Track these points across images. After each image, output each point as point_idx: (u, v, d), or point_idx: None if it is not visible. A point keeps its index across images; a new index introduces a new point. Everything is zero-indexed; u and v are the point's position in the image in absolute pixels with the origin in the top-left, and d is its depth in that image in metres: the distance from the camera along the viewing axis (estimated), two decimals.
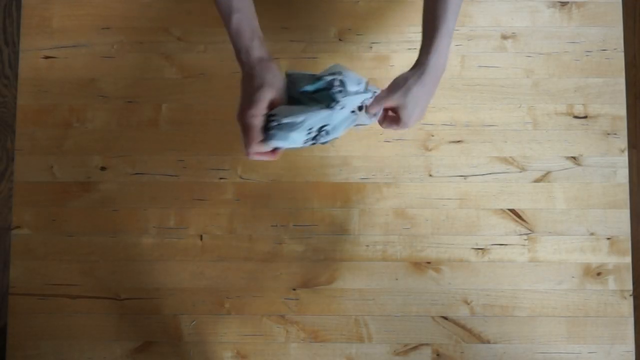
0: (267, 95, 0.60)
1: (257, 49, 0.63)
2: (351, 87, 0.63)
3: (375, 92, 0.66)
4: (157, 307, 0.91)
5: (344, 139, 0.92)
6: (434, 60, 0.62)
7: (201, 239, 0.92)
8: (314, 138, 0.62)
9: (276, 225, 0.92)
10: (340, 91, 0.61)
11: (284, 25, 0.95)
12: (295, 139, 0.61)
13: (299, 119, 0.60)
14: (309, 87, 0.62)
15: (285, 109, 0.62)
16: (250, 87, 0.61)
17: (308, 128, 0.61)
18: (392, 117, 0.67)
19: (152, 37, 0.95)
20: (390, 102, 0.64)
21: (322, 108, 0.61)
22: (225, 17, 0.64)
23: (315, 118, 0.61)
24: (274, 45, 0.94)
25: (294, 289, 0.91)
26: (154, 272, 0.91)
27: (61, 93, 0.94)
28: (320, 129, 0.62)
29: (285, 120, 0.60)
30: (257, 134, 0.60)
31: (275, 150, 0.64)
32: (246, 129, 0.60)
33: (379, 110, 0.66)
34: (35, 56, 0.95)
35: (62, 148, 0.93)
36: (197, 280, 0.91)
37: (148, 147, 0.93)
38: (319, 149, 0.92)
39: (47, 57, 0.95)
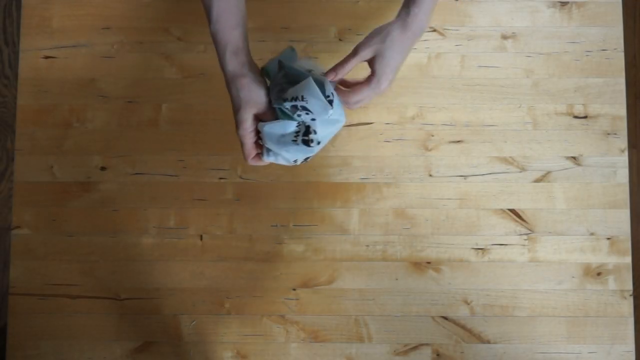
0: (248, 115, 0.61)
1: (229, 63, 0.61)
2: (316, 108, 0.59)
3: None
4: (157, 307, 0.91)
5: (344, 139, 0.92)
6: (416, 10, 0.60)
7: (201, 239, 0.92)
8: (305, 159, 0.64)
9: (276, 225, 0.92)
10: (305, 115, 0.60)
11: (284, 25, 0.95)
12: (286, 161, 0.63)
13: (281, 152, 0.61)
14: (276, 105, 0.61)
15: (269, 132, 0.61)
16: (232, 105, 0.62)
17: (293, 160, 0.62)
18: (359, 86, 0.63)
19: (152, 37, 0.95)
20: (368, 50, 0.60)
21: (301, 142, 0.60)
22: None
23: (297, 152, 0.61)
24: (274, 45, 0.94)
25: (294, 289, 0.91)
26: (154, 272, 0.91)
27: (61, 93, 0.94)
28: (306, 159, 0.63)
29: (271, 147, 0.61)
30: (252, 150, 0.63)
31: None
32: (241, 144, 0.63)
33: (353, 63, 0.61)
34: (35, 56, 0.95)
35: (62, 148, 0.93)
36: (197, 280, 0.91)
37: (148, 147, 0.93)
38: None
39: (47, 57, 0.95)
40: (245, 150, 0.63)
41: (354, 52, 0.62)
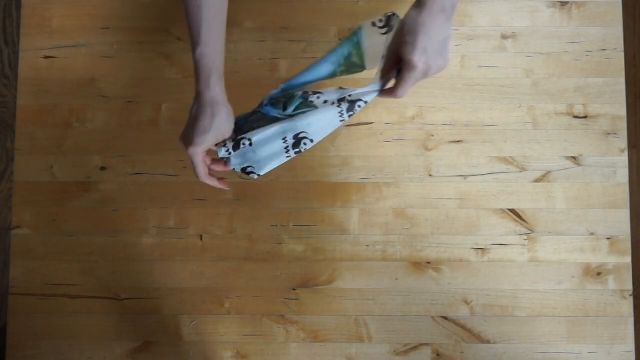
0: (212, 141, 0.62)
1: (213, 89, 0.62)
2: (330, 96, 0.62)
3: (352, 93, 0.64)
4: (157, 307, 0.91)
5: (344, 139, 0.92)
6: None
7: (201, 239, 0.92)
8: (295, 146, 0.63)
9: (276, 225, 0.92)
10: (318, 97, 0.62)
11: (284, 25, 0.95)
12: (270, 155, 0.63)
13: (270, 131, 0.61)
14: (289, 111, 0.62)
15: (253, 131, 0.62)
16: (197, 124, 0.62)
17: (282, 137, 0.62)
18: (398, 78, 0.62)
19: (152, 37, 0.95)
20: (392, 44, 0.60)
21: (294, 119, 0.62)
22: (191, 44, 0.64)
23: (289, 125, 0.62)
24: (274, 45, 0.94)
25: (294, 289, 0.91)
26: (154, 272, 0.91)
27: (61, 93, 0.94)
28: (297, 136, 0.62)
29: (256, 137, 0.62)
30: (203, 169, 0.64)
31: (221, 179, 0.67)
32: (191, 162, 0.63)
33: (388, 64, 0.61)
34: (35, 56, 0.95)
35: (62, 148, 0.93)
36: (197, 280, 0.91)
37: (148, 147, 0.93)
38: (319, 149, 0.92)
39: (47, 57, 0.95)
40: (198, 170, 0.64)
41: (386, 53, 0.62)
